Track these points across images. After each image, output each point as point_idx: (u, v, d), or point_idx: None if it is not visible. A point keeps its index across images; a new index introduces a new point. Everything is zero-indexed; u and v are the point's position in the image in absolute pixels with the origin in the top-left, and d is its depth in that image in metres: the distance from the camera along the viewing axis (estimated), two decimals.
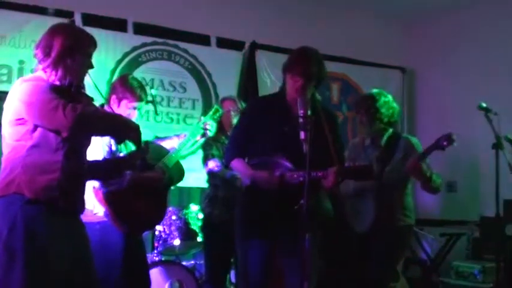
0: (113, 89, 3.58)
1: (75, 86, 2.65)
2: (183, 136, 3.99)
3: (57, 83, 2.61)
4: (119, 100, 3.53)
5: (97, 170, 2.90)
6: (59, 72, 2.60)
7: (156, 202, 3.54)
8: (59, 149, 2.55)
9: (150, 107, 4.82)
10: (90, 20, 5.23)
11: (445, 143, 3.45)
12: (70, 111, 2.43)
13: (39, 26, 4.91)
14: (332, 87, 6.54)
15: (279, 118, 3.16)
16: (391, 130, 3.84)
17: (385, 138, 3.83)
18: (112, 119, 2.66)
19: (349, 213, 3.84)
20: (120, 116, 2.94)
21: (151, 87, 5.31)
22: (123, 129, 2.62)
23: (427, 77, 6.92)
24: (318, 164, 2.87)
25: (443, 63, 6.67)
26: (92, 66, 2.72)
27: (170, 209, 4.63)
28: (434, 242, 5.77)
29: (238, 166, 3.23)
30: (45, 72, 2.62)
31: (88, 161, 2.80)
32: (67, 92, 2.59)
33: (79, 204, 2.72)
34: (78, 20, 5.20)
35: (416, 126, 6.96)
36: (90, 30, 5.10)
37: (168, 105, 5.65)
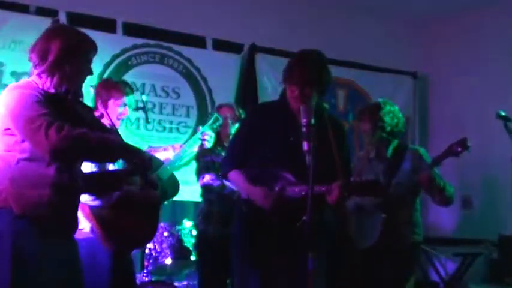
0: (96, 94, 3.64)
1: (72, 94, 2.63)
2: (179, 147, 4.02)
3: (52, 90, 2.59)
4: (105, 102, 3.60)
5: (90, 184, 2.84)
6: (55, 79, 2.58)
7: (148, 218, 3.53)
8: (51, 163, 2.49)
9: (141, 114, 4.86)
10: (76, 19, 5.23)
11: (459, 149, 3.47)
12: (54, 133, 2.38)
13: (19, 25, 4.94)
14: (338, 94, 6.57)
15: (282, 127, 3.17)
16: (396, 141, 3.88)
17: (390, 149, 3.86)
18: (106, 143, 2.55)
19: (353, 229, 3.86)
20: (117, 140, 2.75)
21: (142, 93, 5.33)
22: (123, 155, 2.58)
23: (440, 83, 6.93)
24: (323, 177, 2.87)
25: (458, 67, 6.66)
26: (91, 73, 2.69)
27: (162, 224, 4.64)
28: (448, 263, 5.78)
29: (235, 179, 3.24)
30: (40, 78, 2.60)
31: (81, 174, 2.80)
32: (62, 101, 2.56)
33: (72, 223, 2.68)
34: (62, 19, 5.20)
35: (430, 136, 6.97)
36: None
37: (161, 113, 5.67)
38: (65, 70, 2.57)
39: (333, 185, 2.96)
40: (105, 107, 3.58)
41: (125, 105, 3.67)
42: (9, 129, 2.52)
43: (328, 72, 3.17)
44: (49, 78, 2.58)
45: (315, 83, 3.09)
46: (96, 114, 3.30)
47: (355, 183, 3.02)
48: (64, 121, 2.46)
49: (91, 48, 2.69)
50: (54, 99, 2.53)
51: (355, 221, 3.84)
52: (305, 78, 3.07)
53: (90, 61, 2.68)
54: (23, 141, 2.50)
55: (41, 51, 2.59)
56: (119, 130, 3.44)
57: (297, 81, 3.08)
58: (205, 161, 4.30)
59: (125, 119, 3.78)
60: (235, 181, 3.28)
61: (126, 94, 3.69)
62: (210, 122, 4.04)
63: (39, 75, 2.60)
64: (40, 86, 2.59)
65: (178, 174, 4.00)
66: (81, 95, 2.73)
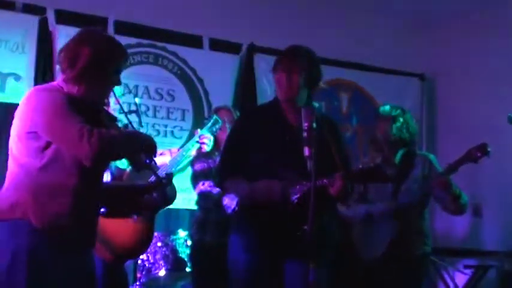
0: None
1: (97, 103, 2.64)
2: (176, 151, 4.03)
3: (79, 97, 2.57)
4: None
5: (108, 197, 2.83)
6: (82, 88, 2.57)
7: (143, 227, 3.54)
8: (73, 171, 2.49)
9: (134, 117, 4.85)
10: (65, 17, 5.24)
11: (478, 154, 3.48)
12: (96, 140, 2.37)
13: (5, 23, 4.93)
14: (341, 97, 6.58)
15: (274, 129, 3.20)
16: (404, 148, 3.91)
17: (398, 156, 3.87)
18: (132, 139, 2.59)
19: (358, 238, 3.87)
20: (136, 132, 2.84)
21: (135, 95, 5.33)
22: (139, 144, 2.59)
23: (449, 86, 6.91)
24: (322, 175, 2.91)
25: (467, 69, 6.60)
26: (119, 83, 2.69)
27: (155, 234, 4.63)
28: (457, 275, 5.77)
29: (232, 185, 3.25)
30: (67, 84, 2.58)
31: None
32: (87, 109, 2.54)
33: (91, 236, 2.65)
34: (51, 18, 5.21)
35: (437, 141, 6.95)
36: (64, 29, 5.19)
37: (155, 116, 5.68)
38: (93, 80, 2.57)
39: (335, 176, 2.99)
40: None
41: (114, 95, 3.69)
42: (34, 132, 2.48)
43: (318, 67, 3.23)
44: (76, 87, 2.56)
45: (304, 72, 3.13)
46: None
47: (357, 171, 3.06)
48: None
49: (122, 58, 2.68)
50: (79, 106, 2.51)
51: (363, 229, 3.84)
52: (293, 64, 3.13)
53: (119, 71, 2.67)
54: (46, 147, 2.48)
55: (70, 56, 2.56)
56: None
57: (284, 67, 3.14)
58: (202, 167, 4.32)
59: (118, 108, 3.80)
60: (231, 188, 3.29)
61: None
62: (209, 124, 4.05)
63: (65, 81, 2.58)
64: (66, 91, 2.58)
65: (174, 181, 4.00)
66: (107, 104, 2.73)
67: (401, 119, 3.85)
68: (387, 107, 3.92)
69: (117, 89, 3.74)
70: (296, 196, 3.01)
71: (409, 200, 3.74)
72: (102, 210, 2.91)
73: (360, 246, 3.86)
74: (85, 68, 2.54)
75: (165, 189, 3.02)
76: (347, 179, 2.99)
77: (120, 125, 2.99)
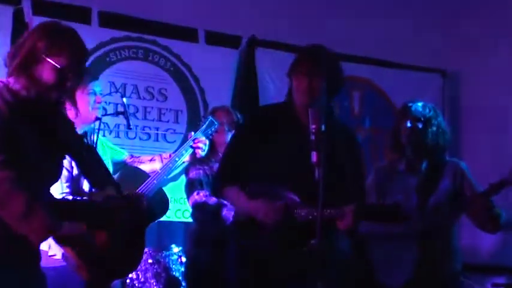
0: None
1: (49, 101, 2.58)
2: (167, 157, 4.02)
3: (24, 92, 2.53)
4: (72, 96, 3.63)
5: (68, 215, 2.72)
6: (21, 82, 2.52)
7: (131, 242, 3.53)
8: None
9: (121, 120, 4.86)
10: (43, 8, 5.22)
11: None
12: None
13: None
14: (352, 96, 6.57)
15: (286, 135, 3.20)
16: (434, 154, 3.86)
17: (425, 163, 3.83)
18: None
19: (377, 260, 3.82)
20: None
21: (123, 95, 5.33)
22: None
23: (474, 82, 6.88)
24: (332, 196, 2.86)
25: (494, 65, 6.60)
26: (77, 77, 2.61)
27: (146, 250, 4.62)
28: None
29: (231, 195, 3.26)
30: (10, 79, 2.55)
31: (53, 199, 2.74)
32: (32, 108, 2.49)
33: (35, 250, 2.61)
34: (27, 8, 5.20)
35: (461, 144, 6.92)
36: (42, 21, 5.16)
37: (145, 118, 5.68)
38: (32, 72, 2.52)
39: (345, 209, 2.99)
40: (74, 102, 3.62)
41: (94, 92, 3.72)
42: None
43: (341, 71, 3.26)
44: (16, 80, 2.53)
45: (326, 76, 3.16)
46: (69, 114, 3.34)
47: (372, 207, 3.03)
48: (26, 132, 2.44)
49: (71, 47, 2.57)
50: (22, 105, 2.49)
51: (382, 249, 3.79)
52: (315, 68, 3.14)
53: (73, 63, 2.56)
54: None
55: (14, 49, 2.56)
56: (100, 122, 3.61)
57: (306, 71, 3.15)
58: (197, 175, 4.32)
59: (101, 107, 3.80)
60: (230, 197, 3.30)
61: (91, 80, 3.74)
62: (204, 126, 4.06)
63: (9, 75, 2.55)
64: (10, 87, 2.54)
65: (166, 190, 4.00)
66: (67, 103, 2.70)
67: (436, 122, 3.81)
68: (419, 105, 3.84)
69: (97, 86, 3.76)
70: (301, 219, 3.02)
71: (437, 219, 3.70)
72: None
73: (379, 269, 3.80)
74: (24, 58, 2.52)
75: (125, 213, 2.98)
76: (359, 215, 2.99)
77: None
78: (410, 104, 3.84)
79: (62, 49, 2.55)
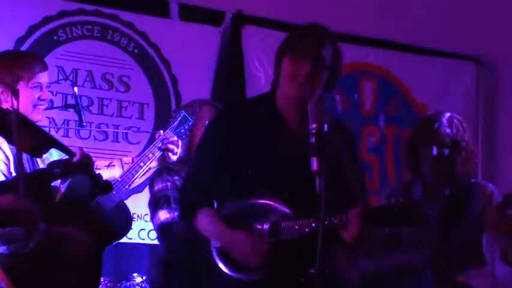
0: None
1: None
2: (129, 161, 4.03)
3: None
4: (10, 88, 3.59)
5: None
6: None
7: (82, 270, 3.52)
8: None
9: (72, 115, 4.84)
10: None
11: None
12: None
13: None
14: (363, 88, 6.59)
15: (268, 135, 3.23)
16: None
17: (447, 189, 3.92)
18: None
19: None
20: None
21: (74, 84, 5.31)
22: None
23: None
24: (332, 206, 2.87)
25: None
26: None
27: (101, 280, 4.62)
28: None
29: (204, 222, 3.26)
30: None
31: None
32: None
33: None
34: None
35: (498, 144, 6.98)
36: None
37: (101, 112, 5.67)
38: None
39: (349, 214, 3.00)
40: (11, 94, 3.59)
41: (40, 86, 3.69)
42: None
43: (342, 58, 3.28)
44: None
45: (330, 65, 3.17)
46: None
47: (381, 208, 3.05)
48: None
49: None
50: None
51: (393, 284, 3.85)
52: (322, 54, 3.14)
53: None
54: None
55: None
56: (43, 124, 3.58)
57: (311, 53, 3.14)
58: (163, 187, 4.31)
59: (45, 105, 3.79)
60: (203, 225, 3.27)
61: (40, 70, 3.71)
62: (176, 123, 4.07)
63: None
64: None
65: (127, 204, 4.02)
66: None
67: (465, 144, 3.91)
68: (445, 123, 3.92)
69: (44, 77, 3.74)
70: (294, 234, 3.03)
71: (458, 247, 3.76)
72: None
73: None
74: None
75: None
76: (367, 218, 3.00)
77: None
78: (436, 125, 3.91)
79: None
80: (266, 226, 3.09)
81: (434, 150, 3.82)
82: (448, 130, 3.87)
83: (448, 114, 3.97)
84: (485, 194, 3.91)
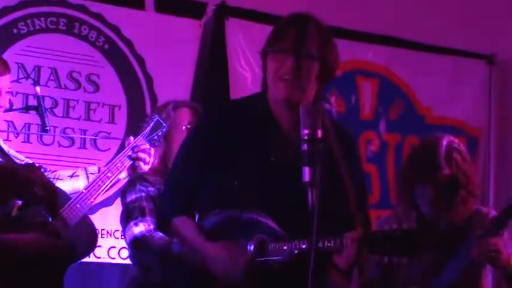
0: None
1: None
2: (96, 171, 4.02)
3: None
4: None
5: None
6: None
7: None
8: None
9: (33, 117, 4.83)
10: None
11: None
12: None
13: None
14: (362, 89, 6.60)
15: (257, 140, 3.23)
16: None
17: (444, 221, 4.01)
18: None
19: None
20: None
21: (36, 82, 5.27)
22: None
23: None
24: (327, 225, 2.82)
25: None
26: None
27: None
28: None
29: (182, 230, 3.27)
30: None
31: None
32: None
33: None
34: None
35: None
36: None
37: (67, 115, 5.67)
38: None
39: (345, 238, 2.99)
40: None
41: None
42: None
43: (336, 49, 3.27)
44: None
45: (318, 56, 3.15)
46: None
47: (381, 233, 3.04)
48: None
49: None
50: None
51: None
52: (305, 44, 3.13)
53: None
54: None
55: None
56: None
57: (292, 47, 3.13)
58: (137, 198, 4.29)
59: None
60: (181, 233, 3.28)
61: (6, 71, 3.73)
62: (149, 129, 4.07)
63: None
64: None
65: (94, 219, 3.99)
66: None
67: (466, 177, 3.96)
68: (443, 152, 3.98)
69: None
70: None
71: (452, 277, 3.84)
72: None
73: None
74: None
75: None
76: (364, 244, 2.99)
77: None
78: (432, 163, 3.95)
79: None
80: (251, 245, 3.08)
81: (431, 193, 3.93)
82: (447, 170, 3.93)
83: (445, 143, 4.01)
84: (486, 224, 3.98)
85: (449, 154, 3.95)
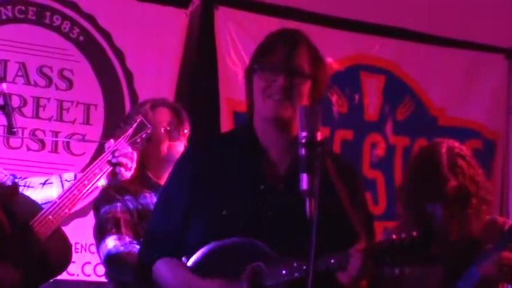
0: None
1: None
2: (71, 178, 4.00)
3: None
4: None
5: None
6: None
7: None
8: None
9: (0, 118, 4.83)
10: None
11: None
12: None
13: None
14: (366, 87, 6.61)
15: (245, 169, 3.28)
16: None
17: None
18: None
19: None
20: None
21: (1, 78, 5.21)
22: None
23: None
24: (328, 244, 2.88)
25: None
26: None
27: None
28: None
29: (165, 274, 3.29)
30: None
31: None
32: None
33: None
34: None
35: None
36: None
37: (37, 115, 5.66)
38: None
39: (350, 252, 3.00)
40: None
41: None
42: None
43: (326, 67, 3.36)
44: None
45: (310, 75, 3.21)
46: None
47: (388, 244, 3.05)
48: None
49: None
50: None
51: None
52: (297, 58, 3.19)
53: None
54: None
55: None
56: None
57: (283, 62, 3.18)
58: (112, 209, 4.29)
59: None
60: (164, 278, 3.28)
61: None
62: (131, 131, 4.03)
63: None
64: None
65: (67, 232, 3.96)
66: None
67: (479, 190, 3.99)
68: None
69: None
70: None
71: None
72: None
73: None
74: None
75: None
76: (370, 257, 2.99)
77: None
78: (437, 177, 3.97)
79: None
80: (245, 272, 3.09)
81: (442, 211, 3.98)
82: (454, 181, 3.96)
83: (444, 151, 4.04)
84: (496, 233, 4.01)
85: (452, 162, 3.98)
